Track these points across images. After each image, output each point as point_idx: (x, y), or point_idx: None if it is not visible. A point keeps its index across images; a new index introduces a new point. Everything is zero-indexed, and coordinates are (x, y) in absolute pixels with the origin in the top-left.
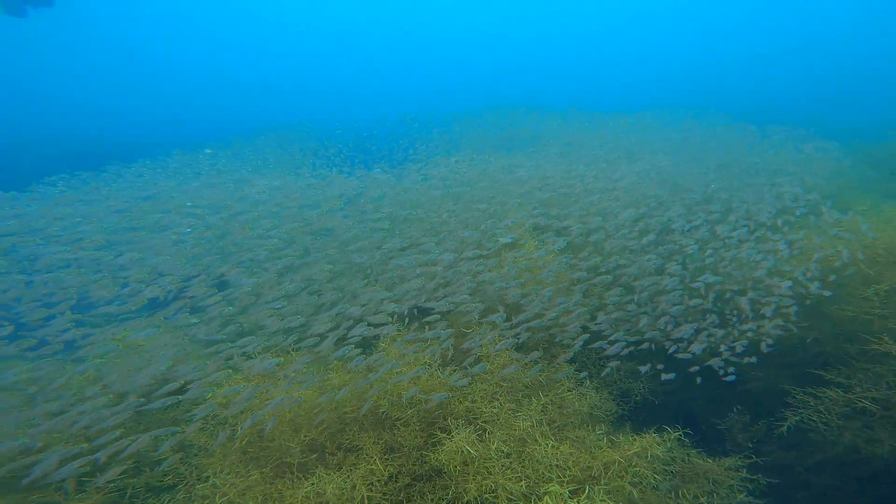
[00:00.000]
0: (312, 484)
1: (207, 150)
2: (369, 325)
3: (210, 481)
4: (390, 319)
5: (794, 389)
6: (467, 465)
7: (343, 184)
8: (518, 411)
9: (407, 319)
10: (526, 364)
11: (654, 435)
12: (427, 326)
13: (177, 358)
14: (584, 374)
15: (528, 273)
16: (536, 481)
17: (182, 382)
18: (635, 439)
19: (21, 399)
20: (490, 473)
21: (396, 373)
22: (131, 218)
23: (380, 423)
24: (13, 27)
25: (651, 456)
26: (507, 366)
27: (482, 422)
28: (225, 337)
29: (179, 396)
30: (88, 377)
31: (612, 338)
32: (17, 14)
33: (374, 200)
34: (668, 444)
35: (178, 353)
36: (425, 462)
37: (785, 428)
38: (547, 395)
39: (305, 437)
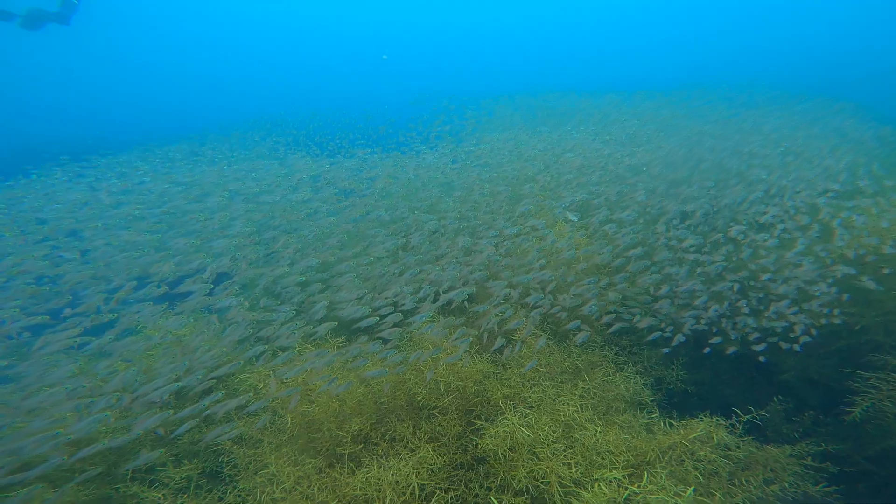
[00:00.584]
0: (368, 472)
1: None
2: (400, 311)
3: (269, 468)
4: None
5: (862, 373)
6: (513, 452)
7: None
8: (560, 396)
9: (437, 303)
10: (567, 346)
11: (718, 419)
12: (459, 312)
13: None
14: (625, 359)
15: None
16: (588, 467)
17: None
18: (698, 423)
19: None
20: (541, 459)
21: (433, 360)
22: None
23: (417, 413)
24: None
25: (716, 440)
26: (543, 352)
27: (525, 407)
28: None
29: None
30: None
31: (642, 321)
32: (34, 28)
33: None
34: (731, 431)
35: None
36: (467, 450)
37: (856, 414)
38: (586, 381)
39: (351, 427)
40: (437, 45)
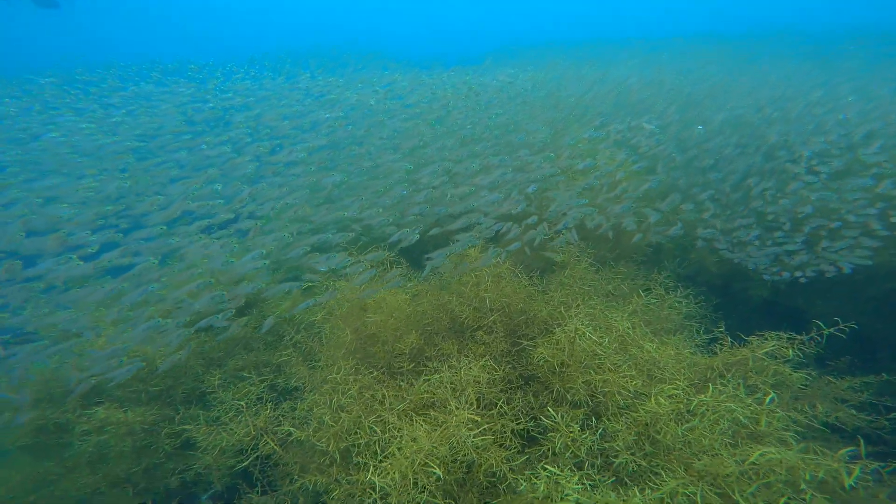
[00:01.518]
0: (436, 375)
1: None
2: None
3: (333, 376)
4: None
5: None
6: (565, 368)
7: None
8: (610, 313)
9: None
10: (611, 271)
11: (785, 334)
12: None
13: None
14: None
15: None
16: (647, 381)
17: None
18: (763, 342)
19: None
20: (597, 371)
21: (476, 278)
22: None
23: (461, 333)
24: None
25: (791, 354)
26: (585, 277)
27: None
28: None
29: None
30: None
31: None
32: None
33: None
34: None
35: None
36: (515, 369)
37: None
38: (636, 301)
39: (407, 341)
40: None
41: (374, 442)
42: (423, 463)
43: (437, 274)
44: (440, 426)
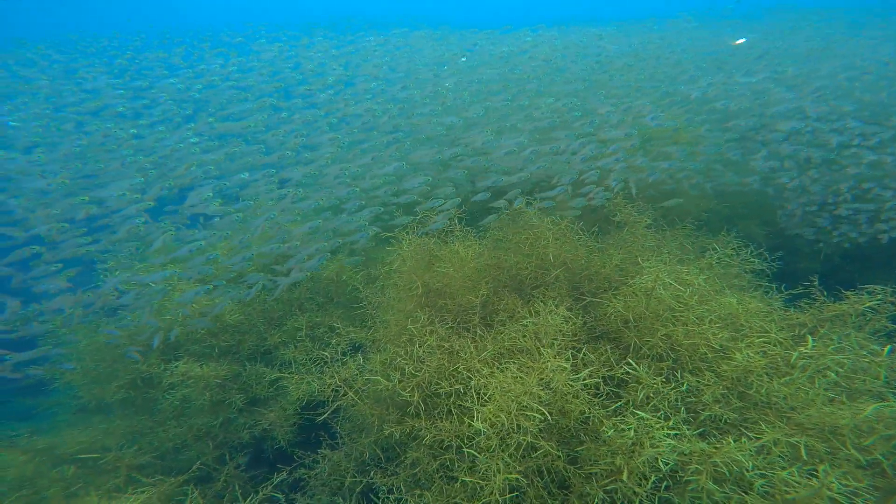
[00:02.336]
0: (521, 322)
1: None
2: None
3: (409, 327)
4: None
5: None
6: (641, 321)
7: None
8: (681, 269)
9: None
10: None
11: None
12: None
13: None
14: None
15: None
16: (734, 334)
17: None
18: (864, 298)
19: None
20: (678, 323)
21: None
22: None
23: (521, 290)
24: None
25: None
26: (646, 235)
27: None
28: None
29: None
30: None
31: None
32: None
33: None
34: None
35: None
36: (585, 322)
37: None
38: (710, 256)
39: (479, 292)
40: None
41: (458, 391)
42: (522, 405)
43: (492, 230)
44: (532, 371)
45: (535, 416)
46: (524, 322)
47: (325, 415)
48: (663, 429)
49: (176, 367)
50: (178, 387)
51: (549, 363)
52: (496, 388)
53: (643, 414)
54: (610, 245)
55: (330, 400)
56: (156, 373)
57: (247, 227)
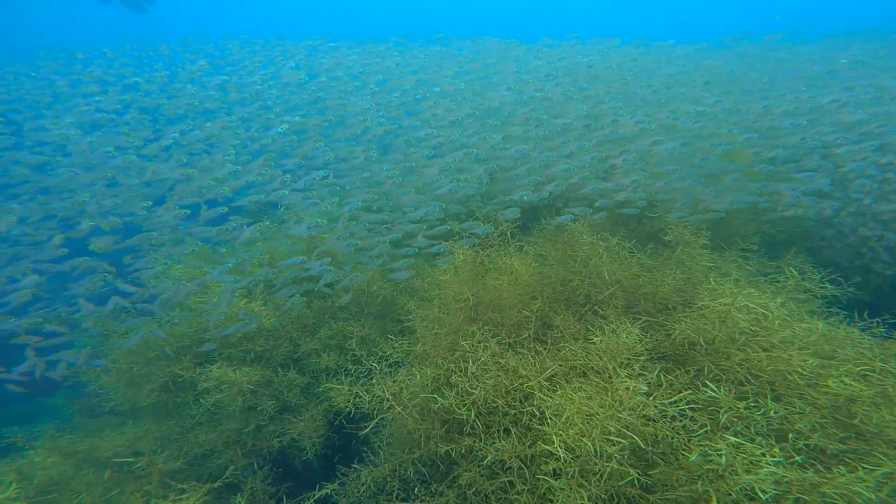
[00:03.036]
0: (593, 341)
1: None
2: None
3: (462, 343)
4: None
5: None
6: (713, 344)
7: None
8: (747, 291)
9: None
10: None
11: None
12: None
13: None
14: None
15: None
16: (825, 361)
17: None
18: None
19: None
20: (757, 347)
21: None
22: None
23: (572, 305)
24: None
25: None
26: (703, 255)
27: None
28: None
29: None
30: None
31: None
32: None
33: None
34: None
35: None
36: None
37: None
38: (778, 282)
39: (533, 307)
40: None
41: (517, 409)
42: (607, 430)
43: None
44: (608, 393)
45: (620, 442)
46: (594, 340)
47: (368, 428)
48: (766, 455)
49: (210, 370)
50: (212, 391)
51: (626, 384)
52: (573, 409)
53: (738, 439)
54: (664, 264)
55: (374, 413)
56: (189, 377)
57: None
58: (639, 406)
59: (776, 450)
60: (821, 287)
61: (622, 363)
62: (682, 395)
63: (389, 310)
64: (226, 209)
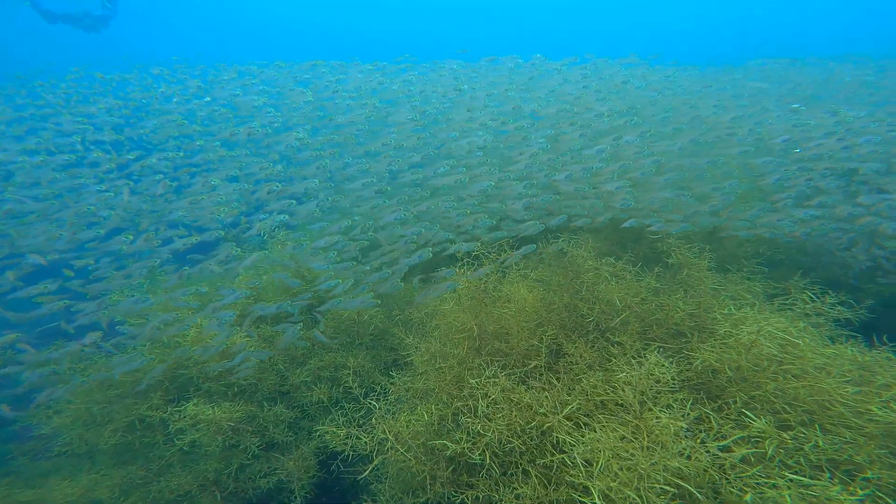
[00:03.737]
0: (614, 374)
1: None
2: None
3: (472, 381)
4: None
5: None
6: (738, 374)
7: None
8: (766, 316)
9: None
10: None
11: None
12: None
13: None
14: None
15: None
16: (867, 390)
17: None
18: None
19: None
20: (787, 375)
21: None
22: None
23: (583, 331)
24: None
25: None
26: (708, 278)
27: (713, 329)
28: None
29: None
30: None
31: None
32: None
33: None
34: None
35: None
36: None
37: None
38: (794, 307)
39: (546, 334)
40: None
41: (534, 449)
42: (646, 477)
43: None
44: (641, 432)
45: (670, 490)
46: (620, 373)
47: (367, 471)
48: (835, 490)
49: (184, 408)
50: (188, 430)
51: (662, 421)
52: (608, 454)
53: (801, 477)
54: (672, 288)
55: (374, 453)
56: (159, 416)
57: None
58: (686, 450)
59: (837, 488)
60: (834, 309)
61: (653, 397)
62: (734, 436)
63: (381, 339)
64: (196, 238)
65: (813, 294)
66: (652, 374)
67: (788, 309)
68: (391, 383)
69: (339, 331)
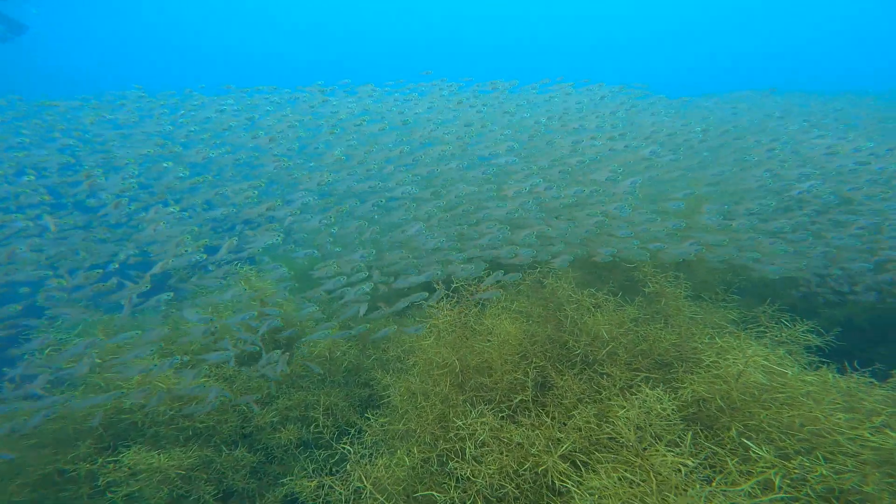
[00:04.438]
0: (625, 410)
1: None
2: None
3: (458, 422)
4: None
5: None
6: (729, 402)
7: None
8: (743, 346)
9: None
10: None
11: None
12: None
13: None
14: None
15: None
16: (856, 418)
17: None
18: None
19: None
20: (779, 405)
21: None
22: None
23: (567, 363)
24: None
25: None
26: (685, 306)
27: (697, 358)
28: None
29: None
30: None
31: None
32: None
33: None
34: None
35: None
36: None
37: None
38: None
39: (531, 367)
40: None
41: (528, 494)
42: None
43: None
44: (646, 473)
45: None
46: (619, 411)
47: None
48: None
49: (123, 456)
50: (123, 483)
51: (667, 460)
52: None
53: None
54: (650, 317)
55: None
56: (86, 468)
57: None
58: (702, 497)
59: None
60: (804, 336)
61: (653, 434)
62: (738, 468)
63: (355, 375)
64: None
65: (784, 321)
66: (651, 409)
67: (764, 336)
68: (367, 425)
69: (308, 369)
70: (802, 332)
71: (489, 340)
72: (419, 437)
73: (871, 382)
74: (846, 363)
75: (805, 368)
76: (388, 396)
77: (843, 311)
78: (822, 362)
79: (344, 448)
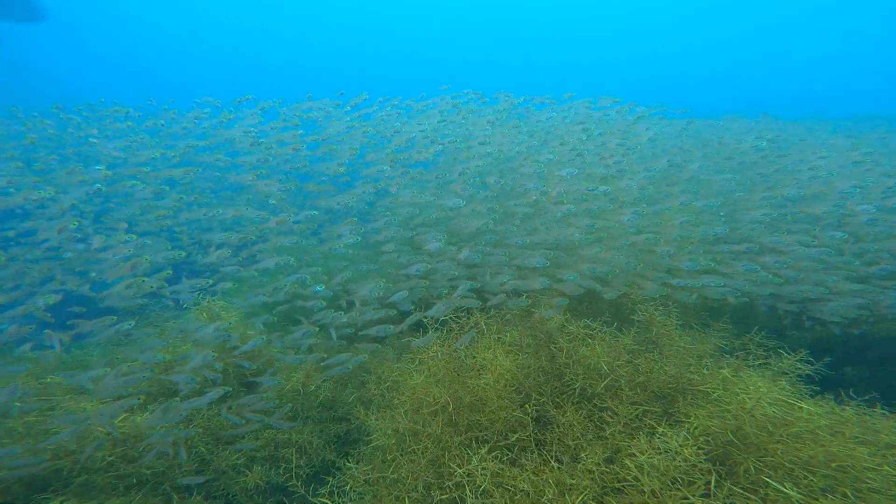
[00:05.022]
0: (639, 457)
1: None
2: None
3: (458, 471)
4: None
5: None
6: (740, 438)
7: None
8: (744, 377)
9: None
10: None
11: None
12: None
13: None
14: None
15: None
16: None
17: None
18: None
19: None
20: (794, 439)
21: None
22: None
23: (563, 396)
24: None
25: None
26: (676, 335)
27: (698, 391)
28: None
29: None
30: None
31: None
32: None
33: None
34: None
35: None
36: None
37: None
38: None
39: (530, 407)
40: None
41: None
42: None
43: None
44: None
45: None
46: (644, 457)
47: None
48: None
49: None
50: None
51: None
52: None
53: None
54: (643, 348)
55: None
56: None
57: None
58: None
59: None
60: (796, 366)
61: (672, 478)
62: None
63: (331, 410)
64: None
65: (784, 350)
66: (670, 450)
67: (766, 366)
68: (350, 475)
69: (280, 404)
70: (796, 360)
71: (483, 377)
72: (410, 485)
73: (883, 414)
74: (841, 392)
75: (807, 398)
76: (371, 436)
77: (810, 334)
78: (807, 388)
79: (321, 503)
